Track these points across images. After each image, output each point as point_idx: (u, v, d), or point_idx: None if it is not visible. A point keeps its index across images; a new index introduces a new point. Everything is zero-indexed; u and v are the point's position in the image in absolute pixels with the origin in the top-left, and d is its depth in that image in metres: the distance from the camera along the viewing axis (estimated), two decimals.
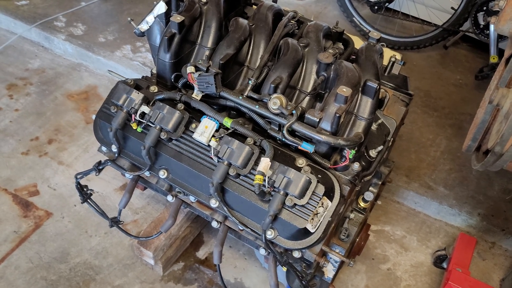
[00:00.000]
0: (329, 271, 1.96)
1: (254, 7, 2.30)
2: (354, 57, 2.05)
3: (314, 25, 2.02)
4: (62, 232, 2.69)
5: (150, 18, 2.08)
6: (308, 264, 1.85)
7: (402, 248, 2.83)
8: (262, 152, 1.75)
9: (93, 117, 2.09)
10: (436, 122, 3.40)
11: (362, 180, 1.88)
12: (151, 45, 2.17)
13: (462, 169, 3.11)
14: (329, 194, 1.70)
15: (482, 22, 3.44)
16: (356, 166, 1.77)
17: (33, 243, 2.61)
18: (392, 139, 2.07)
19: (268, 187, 1.67)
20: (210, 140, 1.76)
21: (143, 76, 2.15)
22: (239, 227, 1.82)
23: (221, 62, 1.82)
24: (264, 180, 1.65)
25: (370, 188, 2.07)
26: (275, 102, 1.67)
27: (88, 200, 2.20)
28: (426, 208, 2.99)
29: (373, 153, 1.91)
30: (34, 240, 2.63)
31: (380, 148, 1.89)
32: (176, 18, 1.88)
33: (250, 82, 1.83)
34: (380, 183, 2.15)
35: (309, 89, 1.88)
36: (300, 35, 2.08)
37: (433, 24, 3.77)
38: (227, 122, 1.77)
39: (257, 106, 1.76)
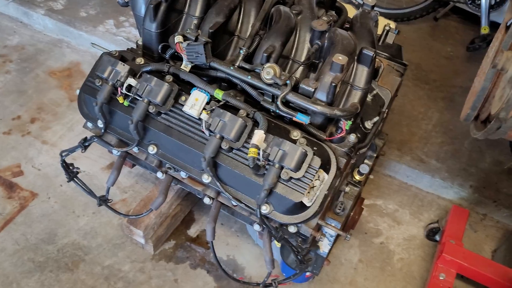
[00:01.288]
0: (324, 246, 1.93)
1: None
2: (348, 26, 1.98)
3: None
4: (48, 213, 2.61)
5: None
6: (303, 239, 1.81)
7: (394, 221, 2.82)
8: (256, 124, 1.68)
9: (77, 91, 2.00)
10: (428, 95, 3.36)
11: (358, 153, 1.83)
12: (135, 16, 2.07)
13: (454, 141, 3.08)
14: (325, 166, 1.65)
15: None
16: (352, 137, 1.72)
17: (19, 224, 2.54)
18: (387, 110, 2.02)
19: (262, 161, 1.61)
20: (201, 113, 1.69)
21: (128, 48, 2.06)
22: (233, 202, 1.77)
23: (210, 31, 1.74)
24: (258, 154, 1.59)
25: (365, 161, 2.03)
26: (268, 71, 1.60)
27: (75, 178, 2.12)
28: (418, 181, 2.97)
29: (368, 124, 1.86)
30: (19, 221, 2.55)
31: (376, 119, 1.83)
32: None
33: (241, 51, 1.75)
34: (375, 155, 2.11)
35: (303, 58, 1.81)
36: (291, 2, 2.00)
37: None
38: (218, 94, 1.70)
39: (249, 77, 1.69)
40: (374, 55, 1.67)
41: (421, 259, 2.66)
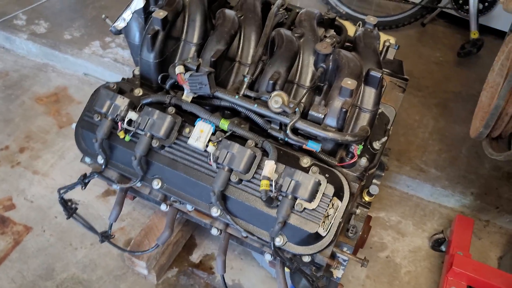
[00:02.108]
0: (338, 271, 1.88)
1: None
2: (349, 44, 1.94)
3: (307, 13, 1.90)
4: (44, 247, 2.52)
5: (127, 15, 1.92)
6: (318, 267, 1.76)
7: (398, 234, 2.79)
8: (265, 154, 1.63)
9: (73, 126, 1.92)
10: (421, 102, 3.35)
11: (367, 174, 1.79)
12: (129, 43, 2.01)
13: (452, 149, 3.07)
14: (338, 193, 1.61)
15: None
16: (363, 161, 1.68)
17: (14, 261, 2.44)
18: (391, 127, 1.99)
19: (275, 192, 1.55)
20: (207, 146, 1.63)
21: (123, 78, 1.98)
22: (243, 234, 1.71)
23: (212, 59, 1.68)
24: (271, 185, 1.53)
25: (374, 181, 1.99)
26: (277, 100, 1.55)
27: (74, 214, 2.04)
28: (419, 191, 2.95)
29: (376, 144, 1.82)
30: (14, 258, 2.45)
31: (384, 139, 1.79)
32: (159, 13, 1.73)
33: (245, 79, 1.70)
34: (382, 174, 2.07)
35: (308, 82, 1.76)
36: (289, 24, 1.95)
37: (410, 1, 3.69)
38: (224, 124, 1.64)
39: (255, 105, 1.63)
40: (381, 77, 1.64)
41: (428, 271, 2.63)
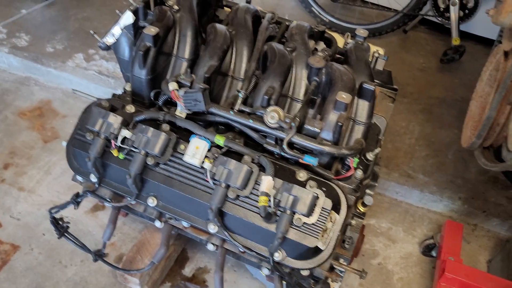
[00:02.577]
0: (336, 283, 1.88)
1: (226, 9, 2.15)
2: (339, 56, 1.96)
3: (297, 26, 1.90)
4: (33, 266, 2.46)
5: (116, 30, 1.90)
6: (316, 280, 1.76)
7: (389, 240, 2.81)
8: (261, 169, 1.63)
9: (63, 144, 1.89)
10: (407, 108, 3.39)
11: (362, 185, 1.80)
12: (119, 59, 1.99)
13: (438, 154, 3.12)
14: (335, 206, 1.61)
15: (442, 5, 3.44)
16: (358, 173, 1.69)
17: (2, 281, 2.38)
18: (383, 137, 2.01)
19: (273, 208, 1.55)
20: (203, 162, 1.62)
21: (114, 95, 1.96)
22: (240, 249, 1.70)
23: (206, 75, 1.66)
24: (269, 201, 1.53)
25: (367, 191, 2.00)
26: (273, 116, 1.55)
27: (65, 234, 2.00)
28: (408, 197, 2.98)
29: (370, 156, 1.83)
30: (2, 278, 2.40)
31: (377, 150, 1.81)
32: (150, 30, 1.71)
33: (240, 94, 1.69)
34: (376, 184, 2.09)
35: (301, 95, 1.76)
36: (280, 37, 1.96)
37: (393, 9, 3.74)
38: (220, 140, 1.63)
39: (250, 121, 1.63)
40: (374, 89, 1.65)
41: (420, 277, 2.65)
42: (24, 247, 2.54)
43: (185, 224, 1.81)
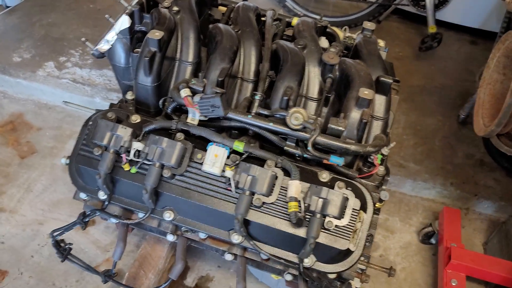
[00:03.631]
0: (356, 282, 1.85)
1: (221, 8, 2.07)
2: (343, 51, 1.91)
3: (304, 23, 1.84)
4: None
5: (111, 36, 1.77)
6: (342, 282, 1.72)
7: (387, 231, 2.81)
8: (285, 173, 1.56)
9: (63, 161, 1.75)
10: None
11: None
12: (114, 66, 1.86)
13: (426, 141, 3.15)
14: (363, 206, 1.57)
15: None
16: (381, 170, 1.66)
17: None
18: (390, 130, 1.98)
19: (303, 213, 1.49)
20: (224, 170, 1.54)
21: (112, 105, 1.83)
22: (263, 256, 1.64)
23: (220, 79, 1.58)
24: (299, 206, 1.47)
25: (382, 187, 1.97)
26: (297, 117, 1.48)
27: (69, 256, 1.87)
28: (401, 186, 2.99)
29: (385, 150, 1.80)
30: None
31: (392, 144, 1.78)
32: (155, 34, 1.61)
33: (256, 97, 1.62)
34: (389, 178, 2.06)
35: (316, 94, 1.70)
36: (281, 34, 1.89)
37: (367, 0, 3.74)
38: (239, 146, 1.55)
39: (271, 124, 1.56)
40: (392, 83, 1.62)
41: (421, 265, 2.67)
42: (13, 272, 2.38)
43: (202, 235, 1.72)
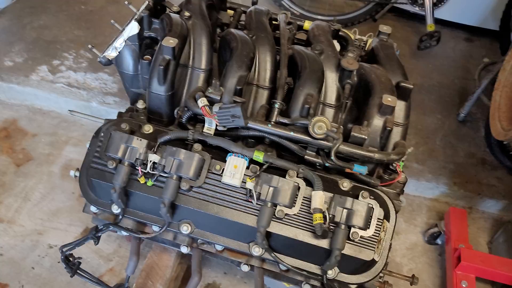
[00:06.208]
0: None
1: (229, 11, 2.01)
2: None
3: (319, 27, 1.80)
4: None
5: (119, 43, 1.71)
6: None
7: None
8: (307, 183, 1.52)
9: (72, 174, 1.69)
10: None
11: None
12: (122, 74, 1.80)
13: (427, 141, 3.14)
14: (386, 215, 1.54)
15: None
16: (402, 177, 1.62)
17: None
18: None
19: (328, 224, 1.45)
20: (244, 182, 1.49)
21: (120, 113, 1.77)
22: (282, 268, 1.60)
23: (238, 88, 1.52)
24: (324, 217, 1.43)
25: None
26: (320, 126, 1.44)
27: (78, 271, 1.81)
28: (404, 187, 2.97)
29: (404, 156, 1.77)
30: None
31: (410, 149, 1.75)
32: (169, 41, 1.54)
33: (275, 105, 1.57)
34: (403, 183, 2.04)
35: (333, 100, 1.66)
36: (293, 38, 1.85)
37: None
38: (259, 156, 1.51)
39: (292, 133, 1.51)
40: (412, 88, 1.59)
41: (428, 266, 2.66)
42: (13, 285, 2.30)
43: (218, 247, 1.67)
